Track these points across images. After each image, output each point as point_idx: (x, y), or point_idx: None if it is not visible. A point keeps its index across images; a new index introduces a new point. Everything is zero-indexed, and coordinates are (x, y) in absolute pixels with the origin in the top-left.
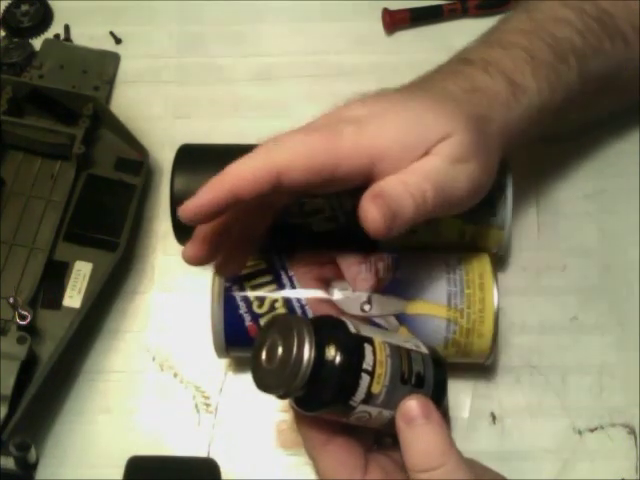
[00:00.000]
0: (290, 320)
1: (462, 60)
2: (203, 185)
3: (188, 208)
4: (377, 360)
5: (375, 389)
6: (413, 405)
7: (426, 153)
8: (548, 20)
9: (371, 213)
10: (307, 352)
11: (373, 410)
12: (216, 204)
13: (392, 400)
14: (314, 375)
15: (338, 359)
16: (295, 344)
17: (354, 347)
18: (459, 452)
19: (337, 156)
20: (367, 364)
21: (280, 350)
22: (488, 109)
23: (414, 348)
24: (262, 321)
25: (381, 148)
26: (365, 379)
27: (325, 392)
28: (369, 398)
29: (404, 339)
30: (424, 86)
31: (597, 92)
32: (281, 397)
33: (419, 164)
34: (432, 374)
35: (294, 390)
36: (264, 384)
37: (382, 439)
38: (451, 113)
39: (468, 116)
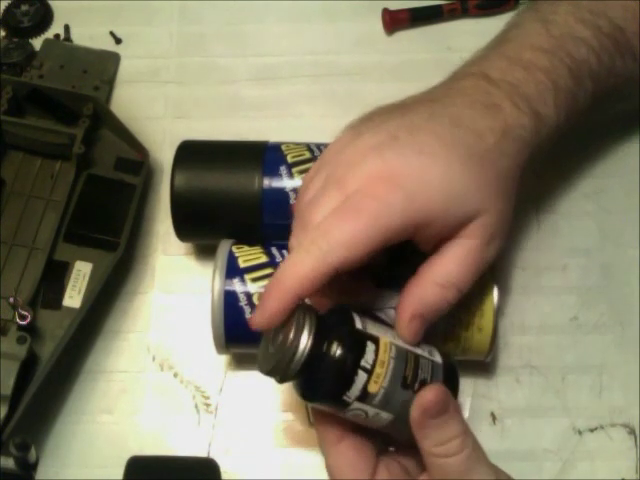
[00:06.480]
0: (297, 308)
1: (484, 77)
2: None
3: (258, 321)
4: (378, 359)
5: (372, 388)
6: (430, 396)
7: (462, 226)
8: (566, 38)
9: (410, 330)
10: (304, 339)
11: (370, 410)
12: (283, 310)
13: (390, 402)
14: (310, 364)
15: (336, 352)
16: (293, 330)
17: (355, 342)
18: (476, 441)
19: (388, 234)
20: (366, 362)
21: (281, 336)
22: (515, 156)
23: (425, 355)
24: None
25: (429, 219)
26: (362, 376)
27: (320, 383)
28: (365, 396)
29: (419, 345)
30: (455, 120)
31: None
32: (279, 381)
33: (457, 252)
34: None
35: (289, 376)
36: (264, 367)
37: (386, 448)
38: (486, 185)
39: (498, 184)
